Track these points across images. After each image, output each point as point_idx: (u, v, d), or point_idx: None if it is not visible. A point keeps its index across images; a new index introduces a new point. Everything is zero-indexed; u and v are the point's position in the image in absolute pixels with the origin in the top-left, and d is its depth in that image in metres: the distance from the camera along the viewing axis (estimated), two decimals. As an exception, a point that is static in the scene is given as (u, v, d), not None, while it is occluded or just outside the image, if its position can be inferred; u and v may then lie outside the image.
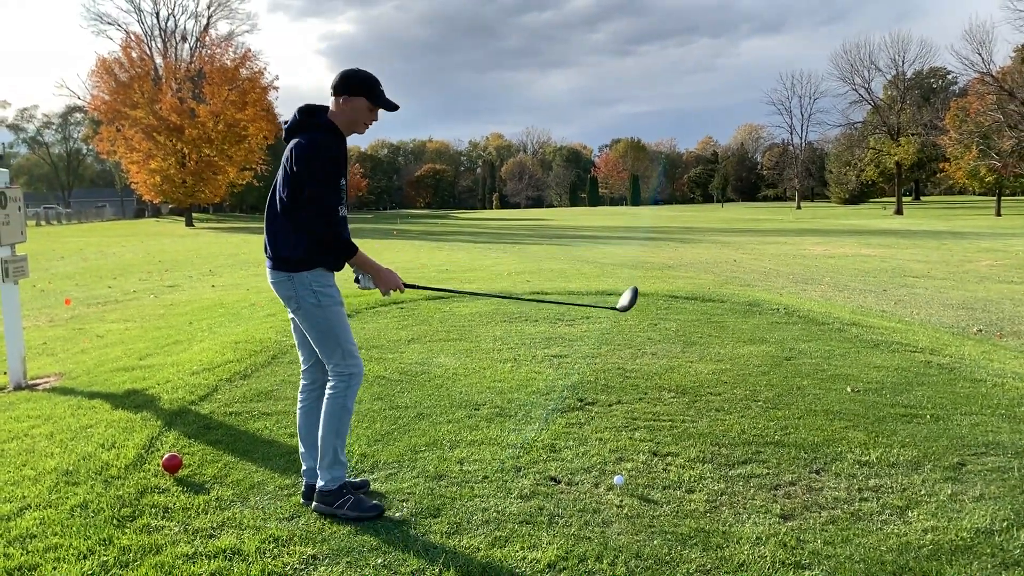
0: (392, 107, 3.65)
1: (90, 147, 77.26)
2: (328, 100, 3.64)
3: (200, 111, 47.22)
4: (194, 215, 54.82)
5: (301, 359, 3.84)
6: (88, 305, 12.64)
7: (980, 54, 53.88)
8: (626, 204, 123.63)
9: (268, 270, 3.66)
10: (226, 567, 3.10)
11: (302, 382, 3.85)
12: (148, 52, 51.01)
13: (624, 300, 4.06)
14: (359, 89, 3.56)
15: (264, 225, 3.68)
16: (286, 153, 3.53)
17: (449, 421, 4.98)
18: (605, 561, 3.16)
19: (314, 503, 3.62)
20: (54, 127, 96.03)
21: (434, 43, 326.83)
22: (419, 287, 4.02)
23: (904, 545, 3.29)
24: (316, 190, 3.41)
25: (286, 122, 3.65)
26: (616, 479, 3.95)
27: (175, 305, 11.90)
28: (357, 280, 3.76)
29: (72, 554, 3.19)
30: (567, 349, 7.11)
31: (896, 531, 3.43)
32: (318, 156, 3.43)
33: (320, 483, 3.61)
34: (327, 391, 3.66)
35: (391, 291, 3.72)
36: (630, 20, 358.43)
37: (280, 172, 3.58)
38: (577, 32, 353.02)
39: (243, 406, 5.36)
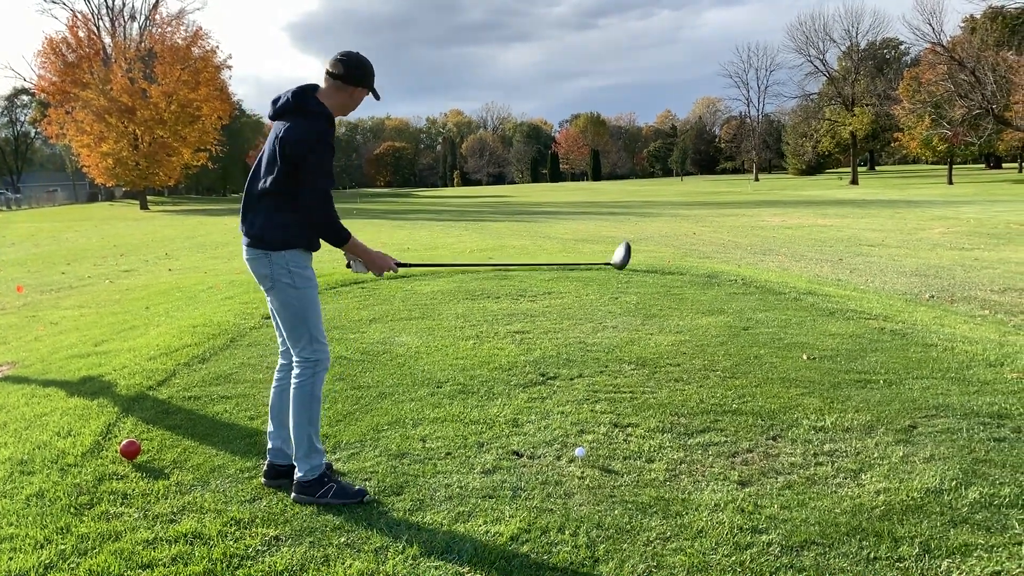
0: (378, 96, 3.67)
1: (38, 130, 75.24)
2: (307, 79, 3.58)
3: (152, 91, 46.08)
4: (149, 198, 53.69)
5: (279, 339, 3.80)
6: (41, 292, 12.38)
7: (931, 24, 54.73)
8: (587, 179, 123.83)
9: (244, 247, 3.61)
10: (187, 551, 3.08)
11: (280, 361, 3.81)
12: (96, 31, 49.63)
13: (618, 256, 4.11)
14: (365, 80, 3.54)
15: (243, 202, 3.62)
16: (277, 133, 3.46)
17: (411, 399, 4.98)
18: (567, 532, 3.20)
19: (294, 494, 3.54)
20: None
21: (395, 17, 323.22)
22: (412, 265, 4.05)
23: (857, 507, 3.37)
24: (315, 179, 3.40)
25: (276, 100, 3.56)
26: (577, 451, 3.99)
27: (131, 290, 11.70)
28: (349, 265, 3.80)
29: (29, 544, 3.15)
30: (529, 325, 7.14)
31: (850, 493, 3.51)
32: (318, 145, 3.40)
33: (299, 474, 3.55)
34: (293, 380, 3.60)
35: (385, 273, 3.75)
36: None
37: (266, 151, 3.52)
38: (539, 5, 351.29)
39: (202, 390, 5.31)
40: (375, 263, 3.73)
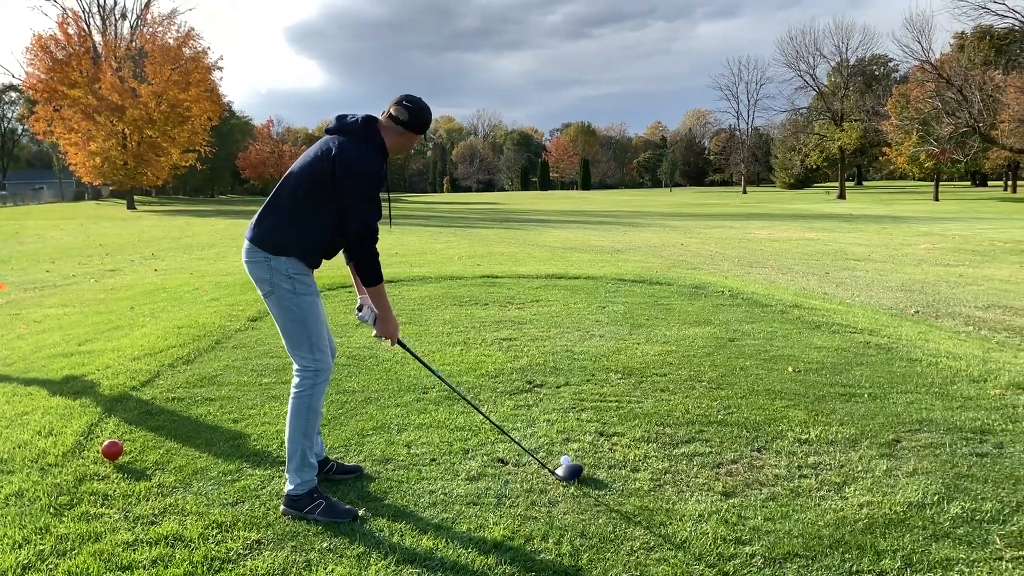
0: (426, 138, 3.69)
1: (26, 127, 74.69)
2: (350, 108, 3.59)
3: (142, 91, 45.87)
4: (136, 198, 53.43)
5: None
6: (25, 290, 12.28)
7: (920, 42, 55.51)
8: (577, 188, 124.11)
9: (245, 247, 3.53)
10: (168, 554, 3.05)
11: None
12: (86, 29, 49.38)
13: (562, 472, 3.93)
14: (422, 127, 3.56)
15: (264, 204, 3.56)
16: (330, 146, 3.42)
17: (397, 405, 4.97)
18: (551, 540, 3.20)
19: (283, 507, 3.46)
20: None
21: (390, 22, 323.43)
22: (409, 351, 3.94)
23: (841, 520, 3.38)
24: (365, 209, 3.38)
25: (343, 116, 3.53)
26: (563, 459, 3.98)
27: (116, 290, 11.63)
28: (359, 309, 3.72)
29: (7, 543, 3.11)
30: (516, 332, 7.13)
31: (833, 506, 3.52)
32: (367, 172, 3.37)
33: (289, 487, 3.47)
34: (292, 389, 3.53)
35: (384, 339, 3.68)
36: (587, 1, 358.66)
37: (307, 159, 3.48)
38: (534, 13, 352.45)
39: (186, 391, 5.27)
40: (388, 322, 3.63)
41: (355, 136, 3.46)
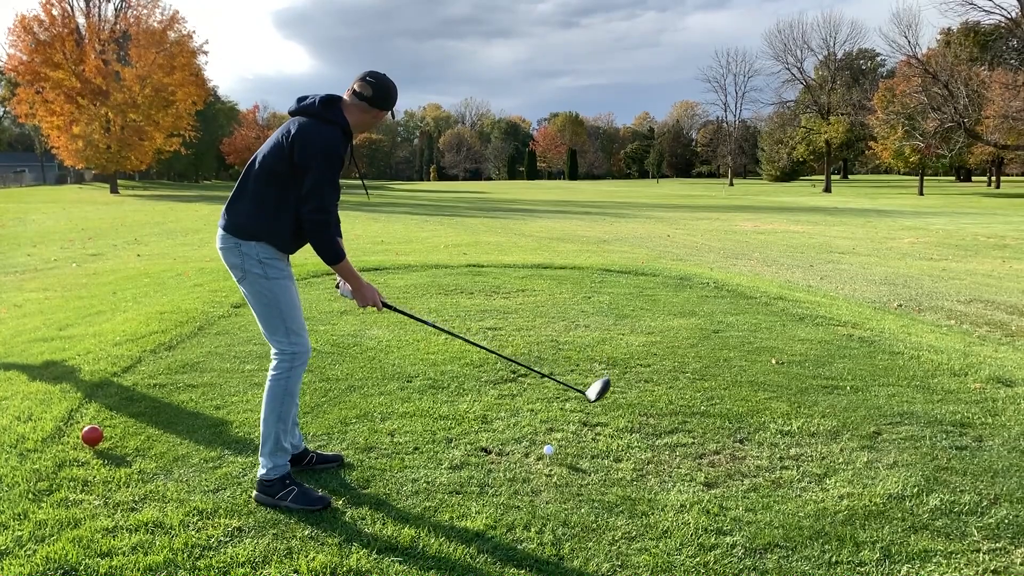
0: (394, 116, 3.72)
1: (7, 109, 73.86)
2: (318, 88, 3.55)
3: (126, 74, 45.44)
4: (119, 182, 53.01)
5: None
6: (5, 274, 12.16)
7: (907, 37, 55.75)
8: (564, 178, 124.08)
9: (219, 234, 3.52)
10: (148, 540, 3.03)
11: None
12: (70, 10, 48.80)
13: (594, 391, 4.22)
14: (387, 104, 3.51)
15: (233, 190, 3.54)
16: (289, 130, 3.39)
17: (381, 393, 4.95)
18: (533, 529, 3.20)
19: (255, 493, 3.44)
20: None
21: (379, 7, 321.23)
22: (396, 310, 3.93)
23: (821, 511, 3.40)
24: (320, 191, 3.34)
25: (303, 98, 3.49)
26: (546, 449, 3.99)
27: (98, 274, 11.53)
28: (338, 286, 3.75)
29: (-16, 529, 3.08)
30: (501, 321, 7.13)
31: (814, 498, 3.54)
32: (326, 155, 3.33)
33: (261, 471, 3.45)
34: (269, 372, 3.52)
35: (367, 306, 3.67)
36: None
37: (271, 143, 3.45)
38: (524, 1, 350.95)
39: (167, 378, 5.24)
40: (361, 293, 3.62)
41: (315, 117, 3.41)
